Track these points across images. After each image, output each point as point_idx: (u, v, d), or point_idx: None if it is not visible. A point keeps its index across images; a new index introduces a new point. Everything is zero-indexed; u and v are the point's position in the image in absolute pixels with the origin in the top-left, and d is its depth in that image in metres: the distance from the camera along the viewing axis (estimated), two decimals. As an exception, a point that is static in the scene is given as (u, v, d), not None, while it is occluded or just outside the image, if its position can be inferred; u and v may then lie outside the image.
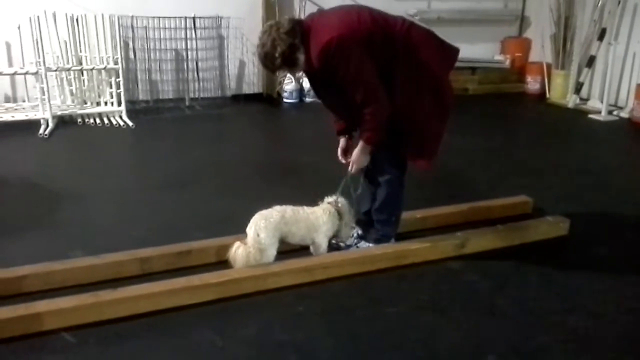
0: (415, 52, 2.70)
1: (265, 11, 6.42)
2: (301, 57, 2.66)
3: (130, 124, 5.53)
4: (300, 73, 2.83)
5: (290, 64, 2.69)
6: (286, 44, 2.61)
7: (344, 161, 2.98)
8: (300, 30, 2.64)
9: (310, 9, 6.64)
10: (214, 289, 2.63)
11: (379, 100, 2.66)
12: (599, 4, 6.54)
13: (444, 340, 2.41)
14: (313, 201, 3.03)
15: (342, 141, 3.01)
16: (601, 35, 6.50)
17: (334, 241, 3.06)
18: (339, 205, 2.97)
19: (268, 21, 2.79)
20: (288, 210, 2.86)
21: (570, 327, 2.51)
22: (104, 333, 2.39)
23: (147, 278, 2.72)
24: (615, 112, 6.36)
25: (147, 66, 6.11)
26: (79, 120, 5.64)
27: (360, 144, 2.82)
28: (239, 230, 2.92)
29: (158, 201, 3.82)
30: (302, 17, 6.57)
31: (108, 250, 2.91)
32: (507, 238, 3.22)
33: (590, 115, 6.36)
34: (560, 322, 2.54)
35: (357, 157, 2.86)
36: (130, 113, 5.74)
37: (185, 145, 5.14)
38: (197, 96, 6.36)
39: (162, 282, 2.60)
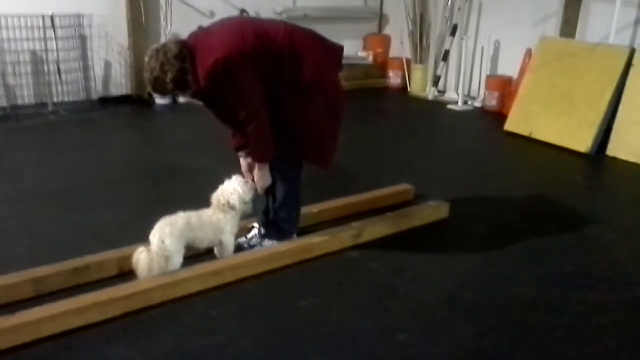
0: (301, 58, 2.79)
1: (130, 8, 6.16)
2: (191, 79, 2.67)
3: (-13, 133, 5.05)
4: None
5: (181, 87, 2.71)
6: (176, 69, 2.63)
7: (250, 179, 3.01)
8: (187, 53, 2.65)
9: (177, 6, 6.50)
10: (123, 303, 2.53)
11: (259, 118, 2.74)
12: (449, 2, 7.12)
13: (356, 326, 2.55)
14: (205, 204, 2.98)
15: (242, 160, 3.06)
16: (453, 31, 7.09)
17: (238, 240, 3.07)
18: (228, 201, 2.93)
19: (153, 45, 2.77)
20: (193, 216, 2.83)
21: (467, 300, 2.77)
22: (5, 363, 2.21)
23: (44, 299, 2.54)
24: (469, 102, 6.98)
25: (0, 69, 5.58)
26: None
27: (257, 165, 2.90)
28: (134, 239, 2.85)
29: (37, 216, 3.55)
30: (170, 14, 6.49)
31: (-10, 274, 2.68)
32: (397, 224, 3.46)
33: (449, 106, 6.91)
34: (456, 295, 2.80)
35: (258, 179, 2.94)
36: (-16, 122, 5.24)
37: (55, 154, 4.80)
38: (60, 100, 5.93)
39: (66, 301, 2.45)
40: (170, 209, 2.86)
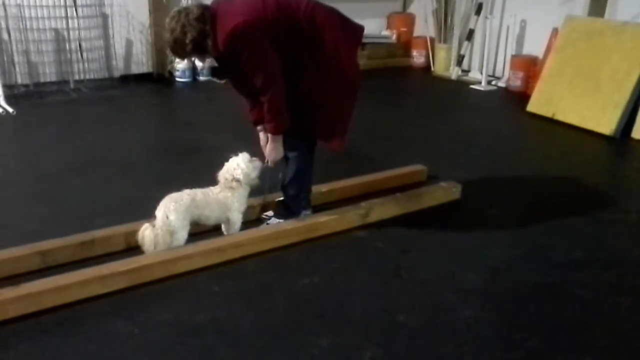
0: (320, 34, 2.75)
1: (151, -12, 6.18)
2: (210, 43, 2.64)
3: (10, 110, 5.14)
4: (210, 59, 2.80)
5: (200, 51, 2.68)
6: (197, 31, 2.60)
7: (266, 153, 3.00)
8: (208, 16, 2.62)
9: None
10: (124, 277, 2.56)
11: (276, 86, 2.71)
12: (475, -20, 6.94)
13: (356, 305, 2.53)
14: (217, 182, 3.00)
15: (261, 134, 3.03)
16: (478, 10, 6.91)
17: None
18: (234, 176, 2.93)
19: (175, 7, 2.73)
20: (198, 193, 2.84)
21: (471, 282, 2.72)
22: (8, 333, 2.26)
23: (51, 272, 2.59)
24: (493, 82, 6.82)
25: (24, 47, 5.67)
26: (-51, 108, 5.16)
27: (270, 137, 2.88)
28: (144, 215, 2.86)
29: (52, 191, 3.62)
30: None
31: (2, 247, 2.74)
32: (406, 205, 3.41)
33: (472, 86, 6.77)
34: (462, 279, 2.75)
35: (271, 151, 2.92)
36: (9, 98, 5.33)
37: (75, 130, 4.87)
38: (82, 78, 6.01)
39: (69, 274, 2.49)
40: (184, 186, 2.88)
